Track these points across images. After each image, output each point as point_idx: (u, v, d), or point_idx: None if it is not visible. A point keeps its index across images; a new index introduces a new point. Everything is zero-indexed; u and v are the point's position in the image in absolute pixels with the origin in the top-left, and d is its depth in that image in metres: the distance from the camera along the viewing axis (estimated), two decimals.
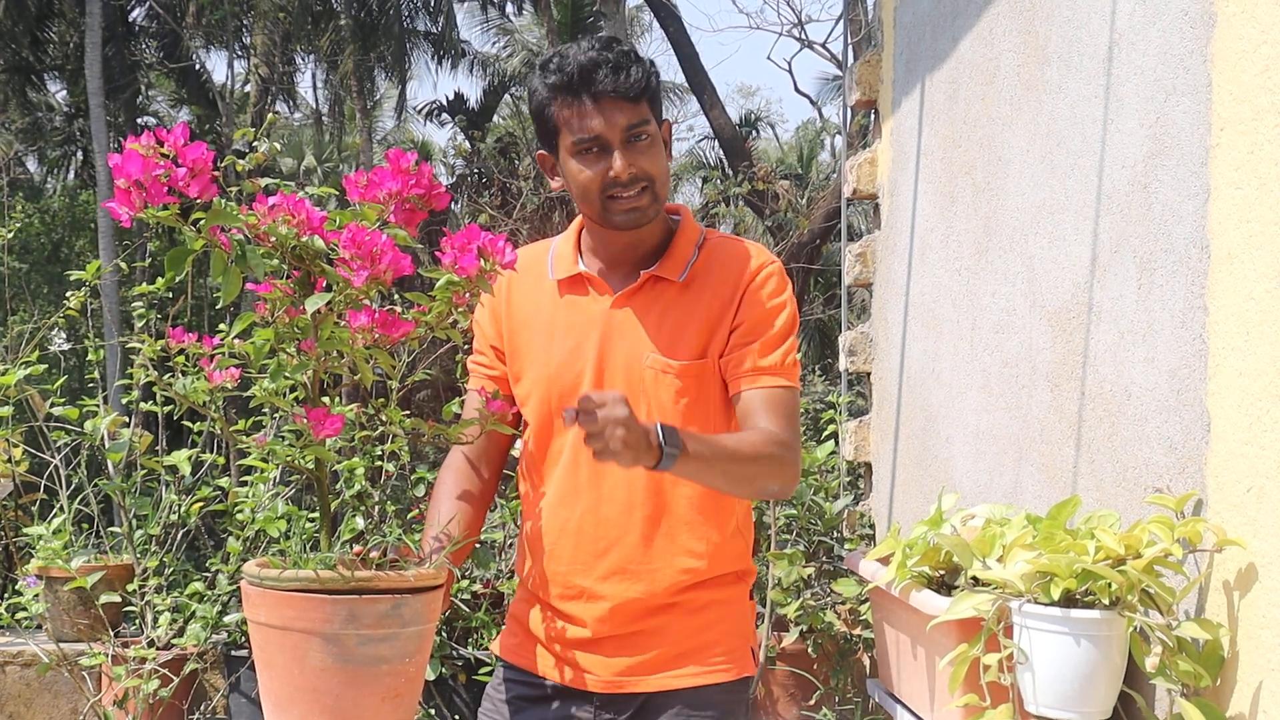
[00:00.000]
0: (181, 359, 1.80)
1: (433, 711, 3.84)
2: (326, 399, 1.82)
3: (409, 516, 3.95)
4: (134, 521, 3.89)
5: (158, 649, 3.70)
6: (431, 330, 1.74)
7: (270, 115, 7.23)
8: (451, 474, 2.01)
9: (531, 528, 1.98)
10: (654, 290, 1.92)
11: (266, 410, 3.87)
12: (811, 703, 3.69)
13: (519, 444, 2.09)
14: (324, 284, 1.68)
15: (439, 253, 1.70)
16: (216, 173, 1.61)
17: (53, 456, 4.03)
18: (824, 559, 3.86)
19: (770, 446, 1.81)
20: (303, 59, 19.35)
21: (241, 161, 4.43)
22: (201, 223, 1.59)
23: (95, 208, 13.81)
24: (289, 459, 1.73)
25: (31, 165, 19.51)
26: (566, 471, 1.92)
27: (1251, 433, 1.77)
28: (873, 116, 3.90)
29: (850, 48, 4.36)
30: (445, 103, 21.72)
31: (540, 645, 1.96)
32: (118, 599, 3.79)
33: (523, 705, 1.95)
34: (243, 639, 3.83)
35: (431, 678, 3.70)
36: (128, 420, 4.43)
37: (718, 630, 1.92)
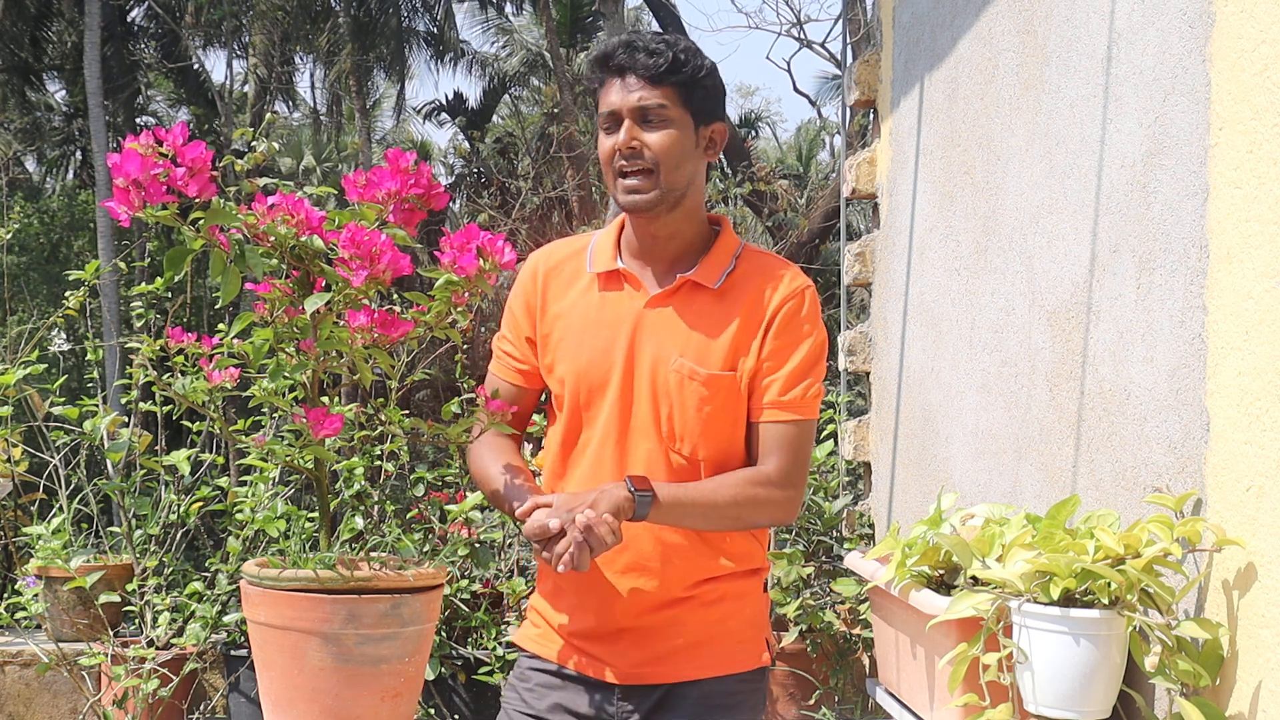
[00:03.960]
0: (180, 359, 1.80)
1: (432, 711, 3.84)
2: (326, 399, 1.82)
3: (408, 516, 3.95)
4: (133, 521, 3.89)
5: (157, 649, 3.70)
6: (431, 330, 1.74)
7: (269, 115, 7.24)
8: (488, 449, 2.01)
9: None
10: (689, 295, 1.94)
11: (266, 410, 3.87)
12: (811, 702, 3.69)
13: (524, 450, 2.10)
14: (323, 284, 1.68)
15: (438, 252, 1.70)
16: (215, 172, 1.62)
17: (52, 456, 4.03)
18: (823, 558, 3.87)
19: (753, 488, 1.88)
20: (301, 58, 19.35)
21: (240, 161, 4.43)
22: (200, 222, 1.59)
23: (94, 207, 13.80)
24: (288, 459, 1.74)
25: (30, 165, 19.50)
26: (591, 467, 1.94)
27: (1251, 432, 1.78)
28: (872, 116, 3.90)
29: (849, 47, 4.37)
30: (444, 102, 21.71)
31: (561, 636, 1.99)
32: (117, 599, 3.79)
33: (546, 691, 1.98)
34: (242, 639, 3.83)
35: (431, 677, 3.70)
36: (127, 420, 4.43)
37: (734, 622, 1.95)
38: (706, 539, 1.92)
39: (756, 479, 1.89)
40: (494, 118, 21.17)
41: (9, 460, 3.87)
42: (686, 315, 1.92)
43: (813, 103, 20.63)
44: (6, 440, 3.78)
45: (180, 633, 3.79)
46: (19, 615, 3.81)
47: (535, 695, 1.98)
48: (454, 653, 3.82)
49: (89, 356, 4.05)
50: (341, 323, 1.67)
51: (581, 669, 1.95)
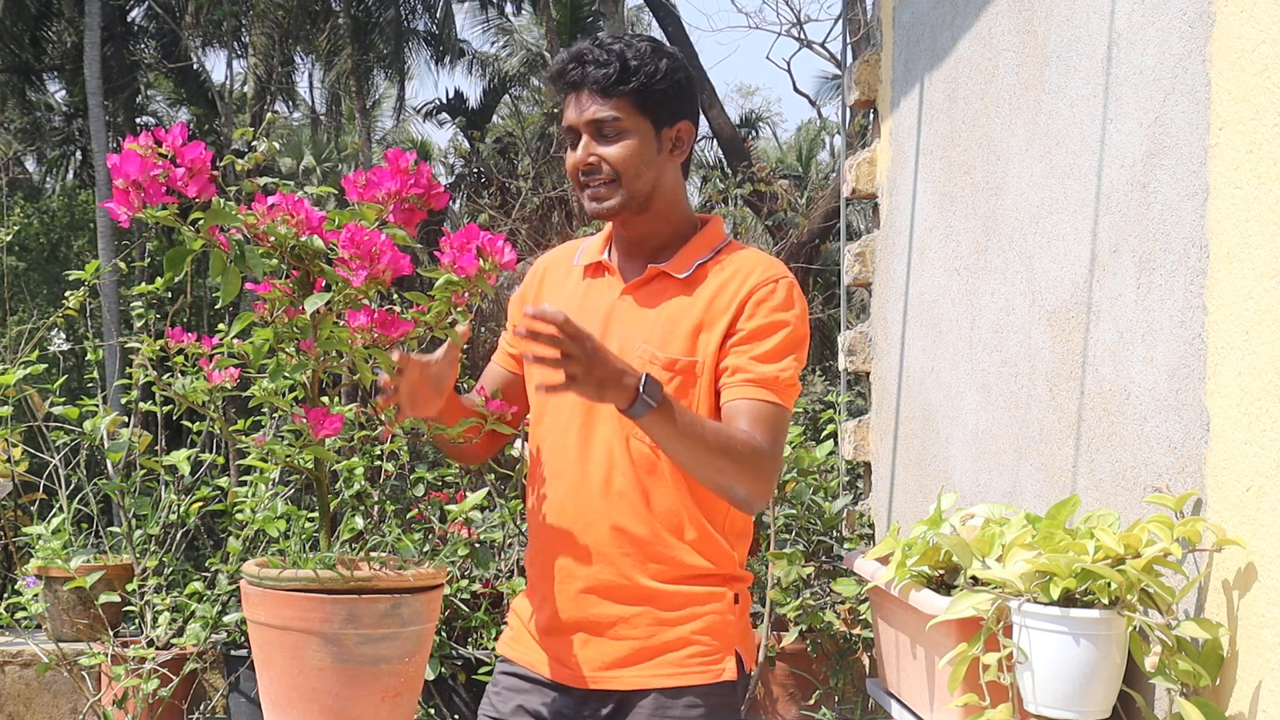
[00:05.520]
0: (181, 359, 1.81)
1: (432, 711, 3.84)
2: (326, 399, 1.83)
3: (408, 516, 3.95)
4: (133, 521, 3.89)
5: (157, 649, 3.70)
6: (430, 330, 1.74)
7: (269, 115, 7.24)
8: None
9: (529, 504, 2.03)
10: (659, 284, 1.95)
11: (266, 410, 3.87)
12: (811, 702, 3.69)
13: (519, 445, 2.10)
14: (323, 284, 1.68)
15: (438, 252, 1.70)
16: (215, 172, 1.62)
17: (52, 456, 4.03)
18: (823, 558, 3.86)
19: (750, 451, 1.82)
20: (301, 58, 19.35)
21: (240, 161, 4.43)
22: (200, 222, 1.59)
23: (94, 207, 13.80)
24: (288, 459, 1.74)
25: (30, 165, 19.49)
26: (556, 450, 1.95)
27: (1251, 432, 1.78)
28: (872, 116, 3.90)
29: (849, 47, 4.37)
30: (444, 102, 21.72)
31: (529, 638, 1.99)
32: (117, 599, 3.79)
33: (511, 695, 1.98)
34: (242, 639, 3.83)
35: (431, 677, 3.70)
36: (127, 420, 4.43)
37: (693, 632, 1.90)
38: (668, 528, 1.88)
39: (756, 445, 1.82)
40: (494, 118, 21.17)
41: (9, 460, 3.87)
42: (654, 303, 1.94)
43: (813, 103, 20.63)
44: (6, 440, 3.77)
45: (180, 633, 3.79)
46: (19, 615, 3.81)
47: (501, 699, 1.98)
48: (454, 653, 3.82)
49: (89, 356, 4.05)
50: (341, 323, 1.67)
51: (544, 672, 1.95)
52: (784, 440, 1.89)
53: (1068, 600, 1.83)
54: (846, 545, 3.83)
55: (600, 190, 1.91)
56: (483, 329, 7.31)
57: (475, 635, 3.85)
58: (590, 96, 1.89)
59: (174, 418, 3.74)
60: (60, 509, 3.87)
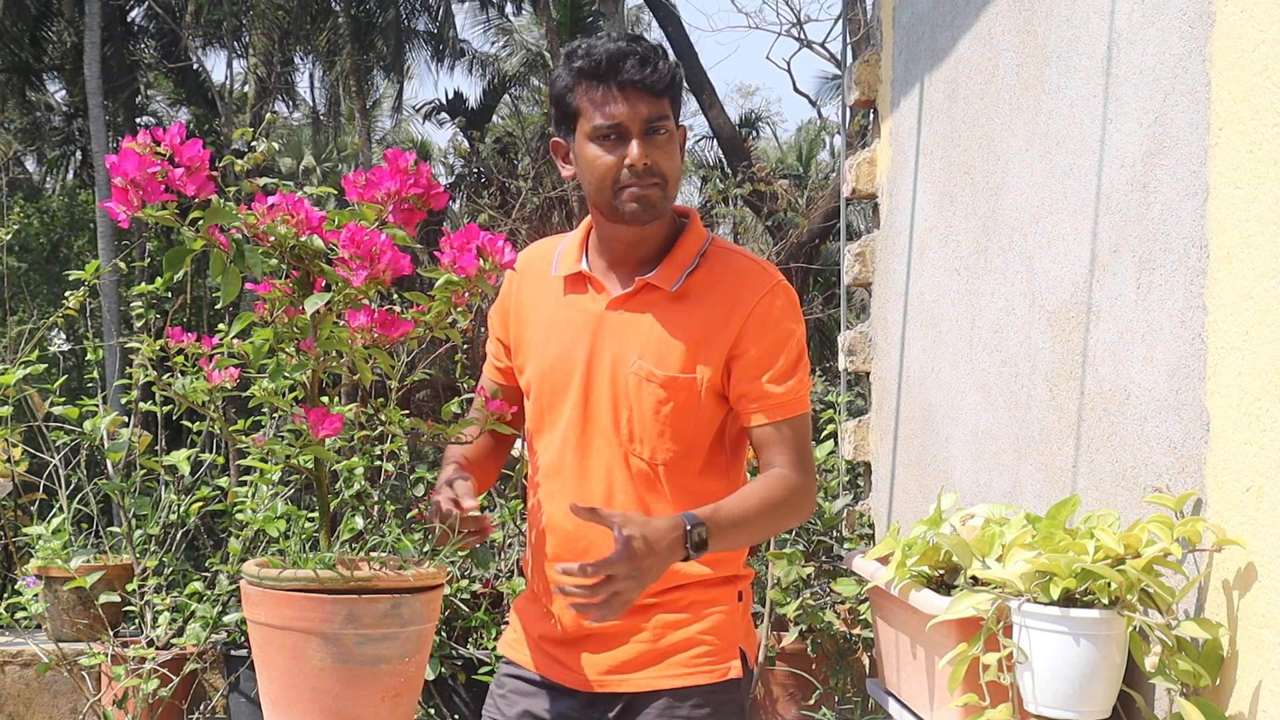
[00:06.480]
0: (180, 359, 1.80)
1: (432, 711, 3.84)
2: (325, 399, 1.83)
3: (408, 516, 3.95)
4: (133, 521, 3.89)
5: (157, 649, 3.71)
6: (430, 330, 1.74)
7: (269, 115, 7.23)
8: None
9: (529, 518, 2.02)
10: (647, 297, 1.91)
11: (266, 410, 3.87)
12: (811, 702, 3.69)
13: (518, 445, 2.09)
14: (323, 284, 1.68)
15: (438, 252, 1.70)
16: (214, 172, 1.61)
17: (52, 456, 4.03)
18: (823, 558, 3.87)
19: (790, 494, 1.86)
20: (301, 58, 19.35)
21: (240, 161, 4.43)
22: (200, 222, 1.59)
23: (94, 207, 13.80)
24: (288, 459, 1.74)
25: (30, 165, 19.50)
26: (554, 466, 1.94)
27: (1251, 432, 1.78)
28: (872, 116, 3.90)
29: (849, 47, 4.37)
30: (444, 102, 21.73)
31: (531, 641, 1.98)
32: (117, 599, 3.79)
33: (516, 698, 1.98)
34: (242, 639, 3.83)
35: (431, 677, 3.70)
36: (127, 420, 4.43)
37: (701, 632, 1.91)
38: None
39: (789, 484, 1.86)
40: (494, 118, 21.18)
41: (9, 460, 3.87)
42: (645, 318, 1.90)
43: (813, 103, 20.65)
44: (6, 440, 3.78)
45: (180, 633, 3.79)
46: (19, 615, 3.81)
47: (507, 702, 1.98)
48: (454, 653, 3.82)
49: (89, 356, 4.05)
50: (341, 323, 1.67)
51: (549, 675, 1.94)
52: (810, 440, 1.92)
53: (1068, 600, 1.83)
54: (846, 545, 3.83)
55: (650, 192, 1.84)
56: (483, 329, 7.31)
57: (475, 635, 3.85)
58: (640, 95, 1.82)
59: (174, 418, 3.74)
60: (60, 509, 3.87)
